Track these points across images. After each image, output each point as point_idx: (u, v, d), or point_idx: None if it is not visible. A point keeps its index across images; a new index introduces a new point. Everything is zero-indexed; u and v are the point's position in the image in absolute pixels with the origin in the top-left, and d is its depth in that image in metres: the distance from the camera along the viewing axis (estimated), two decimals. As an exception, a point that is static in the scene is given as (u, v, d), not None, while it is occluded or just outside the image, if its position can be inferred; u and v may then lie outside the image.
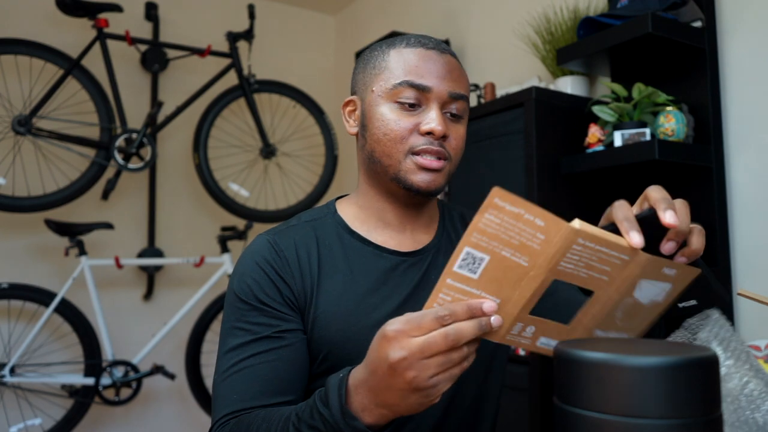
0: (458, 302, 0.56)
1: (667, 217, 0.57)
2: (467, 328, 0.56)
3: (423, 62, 0.83)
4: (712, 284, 0.66)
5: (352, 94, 0.92)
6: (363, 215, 0.90)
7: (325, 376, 0.83)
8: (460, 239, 0.54)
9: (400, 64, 0.83)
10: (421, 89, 0.82)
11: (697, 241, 0.62)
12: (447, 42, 2.48)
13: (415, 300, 0.86)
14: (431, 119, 0.82)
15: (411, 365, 0.56)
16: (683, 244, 0.63)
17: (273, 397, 0.78)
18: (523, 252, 0.52)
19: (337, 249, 0.87)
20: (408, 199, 0.88)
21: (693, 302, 0.68)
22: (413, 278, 0.87)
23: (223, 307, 0.86)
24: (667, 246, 0.60)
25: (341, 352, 0.81)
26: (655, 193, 0.61)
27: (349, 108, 0.91)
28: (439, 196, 1.06)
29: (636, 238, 0.57)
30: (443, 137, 0.83)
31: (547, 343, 0.61)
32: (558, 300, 0.85)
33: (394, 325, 0.57)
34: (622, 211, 0.59)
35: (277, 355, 0.79)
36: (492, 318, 0.57)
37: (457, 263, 0.54)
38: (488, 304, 0.56)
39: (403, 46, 0.85)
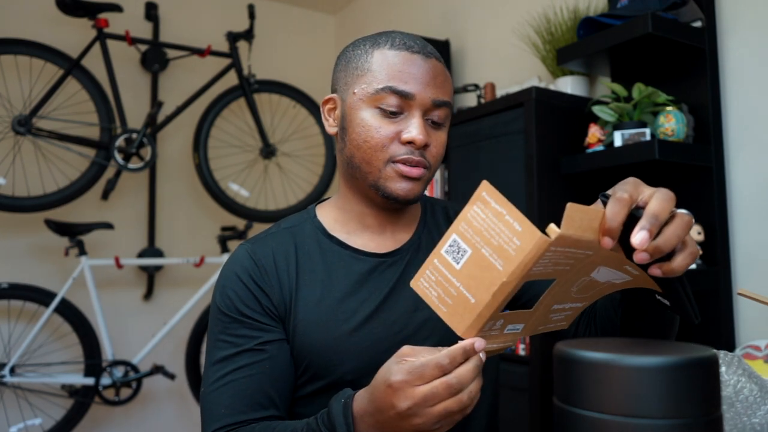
0: (455, 346, 0.59)
1: (636, 239, 0.54)
2: (467, 373, 0.59)
3: (407, 67, 0.80)
4: (685, 305, 0.65)
5: (333, 91, 0.89)
6: (343, 218, 0.90)
7: (309, 384, 0.83)
8: (451, 226, 0.58)
9: (384, 68, 0.80)
10: (404, 96, 0.79)
11: (681, 261, 0.58)
12: (447, 42, 2.48)
13: (392, 300, 0.85)
14: (413, 128, 0.80)
15: (417, 413, 0.59)
16: (669, 255, 0.58)
17: (259, 411, 0.79)
18: (500, 255, 0.55)
19: (315, 254, 0.86)
20: (387, 204, 0.87)
21: (666, 302, 0.68)
22: (391, 279, 0.86)
23: (209, 318, 0.87)
24: (639, 256, 0.56)
25: (322, 359, 0.81)
26: (653, 204, 0.56)
27: (328, 106, 0.88)
28: (437, 196, 1.05)
29: (607, 243, 0.56)
30: (424, 146, 0.81)
31: (513, 329, 0.64)
32: (537, 292, 0.86)
33: (397, 375, 0.60)
34: (613, 207, 0.56)
35: (261, 368, 0.80)
36: (476, 345, 0.59)
37: (444, 247, 0.58)
38: (479, 343, 0.59)
39: (387, 47, 0.82)
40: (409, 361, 0.60)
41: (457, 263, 0.57)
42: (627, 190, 0.58)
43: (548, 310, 0.64)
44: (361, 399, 0.66)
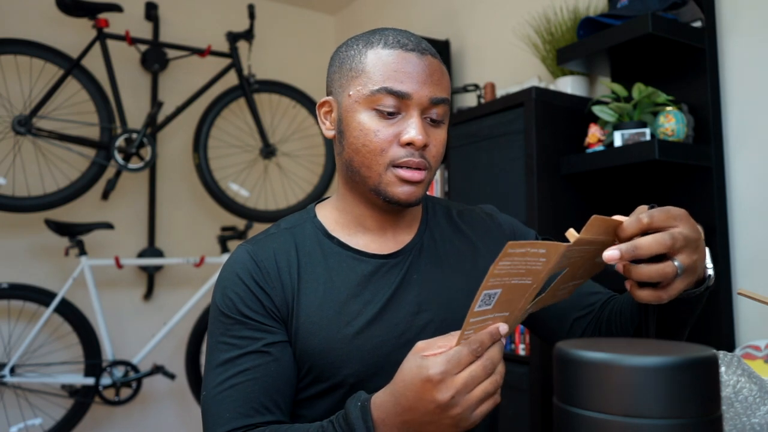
0: (482, 332, 0.61)
1: (605, 254, 0.61)
2: (496, 354, 0.62)
3: (402, 66, 0.78)
4: (643, 326, 0.72)
5: (328, 94, 0.87)
6: (343, 219, 0.89)
7: (311, 386, 0.83)
8: (480, 286, 0.56)
9: (378, 68, 0.79)
10: (401, 96, 0.78)
11: (646, 295, 0.64)
12: (447, 42, 2.48)
13: (395, 303, 0.84)
14: (412, 129, 0.78)
15: (457, 402, 0.60)
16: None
17: (265, 414, 0.78)
18: (528, 275, 0.58)
19: (316, 256, 0.85)
20: (388, 207, 0.86)
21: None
22: (394, 280, 0.85)
23: (208, 320, 0.85)
24: (618, 266, 0.63)
25: (325, 362, 0.80)
26: (645, 239, 0.61)
27: (324, 109, 0.87)
28: (437, 196, 1.05)
29: (613, 256, 0.61)
30: (423, 146, 0.80)
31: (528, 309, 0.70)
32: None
33: (436, 367, 0.60)
34: (631, 223, 0.62)
35: (265, 370, 0.79)
36: (501, 330, 0.62)
37: (477, 305, 0.58)
38: (503, 327, 0.62)
39: (380, 47, 0.80)
40: (437, 354, 0.61)
41: (490, 305, 0.59)
42: (653, 217, 0.62)
43: (557, 289, 0.69)
44: (381, 401, 0.65)
